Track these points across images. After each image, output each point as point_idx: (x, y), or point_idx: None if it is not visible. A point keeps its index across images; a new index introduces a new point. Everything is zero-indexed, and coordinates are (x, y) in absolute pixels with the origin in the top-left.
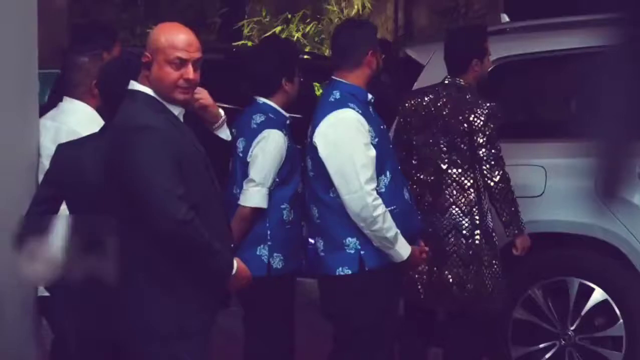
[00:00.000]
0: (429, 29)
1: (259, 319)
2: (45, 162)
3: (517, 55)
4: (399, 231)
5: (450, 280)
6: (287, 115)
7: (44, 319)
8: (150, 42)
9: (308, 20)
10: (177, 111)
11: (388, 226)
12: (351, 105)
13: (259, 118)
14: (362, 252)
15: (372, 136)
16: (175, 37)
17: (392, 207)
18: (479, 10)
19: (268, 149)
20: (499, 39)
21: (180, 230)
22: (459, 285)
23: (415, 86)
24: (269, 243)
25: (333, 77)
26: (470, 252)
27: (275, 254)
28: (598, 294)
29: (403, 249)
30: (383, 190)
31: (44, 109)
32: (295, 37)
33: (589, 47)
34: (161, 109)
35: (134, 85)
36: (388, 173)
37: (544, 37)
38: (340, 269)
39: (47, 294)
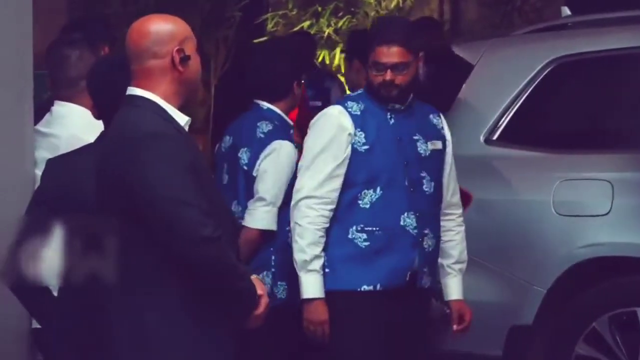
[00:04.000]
0: (478, 24)
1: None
2: None
3: (580, 54)
4: (314, 261)
5: None
6: (292, 123)
7: (39, 355)
8: (177, 34)
9: (340, 14)
10: (184, 121)
11: (299, 246)
12: (349, 103)
13: (265, 127)
14: (326, 270)
15: (359, 142)
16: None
17: (375, 228)
18: (536, 3)
19: (280, 163)
20: (558, 36)
21: (207, 250)
22: None
23: (464, 88)
24: (273, 270)
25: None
26: None
27: (279, 283)
28: None
29: (308, 286)
30: (367, 206)
31: (38, 114)
32: (326, 33)
33: None
34: (168, 117)
35: (134, 91)
36: (379, 189)
37: (611, 33)
38: None
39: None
